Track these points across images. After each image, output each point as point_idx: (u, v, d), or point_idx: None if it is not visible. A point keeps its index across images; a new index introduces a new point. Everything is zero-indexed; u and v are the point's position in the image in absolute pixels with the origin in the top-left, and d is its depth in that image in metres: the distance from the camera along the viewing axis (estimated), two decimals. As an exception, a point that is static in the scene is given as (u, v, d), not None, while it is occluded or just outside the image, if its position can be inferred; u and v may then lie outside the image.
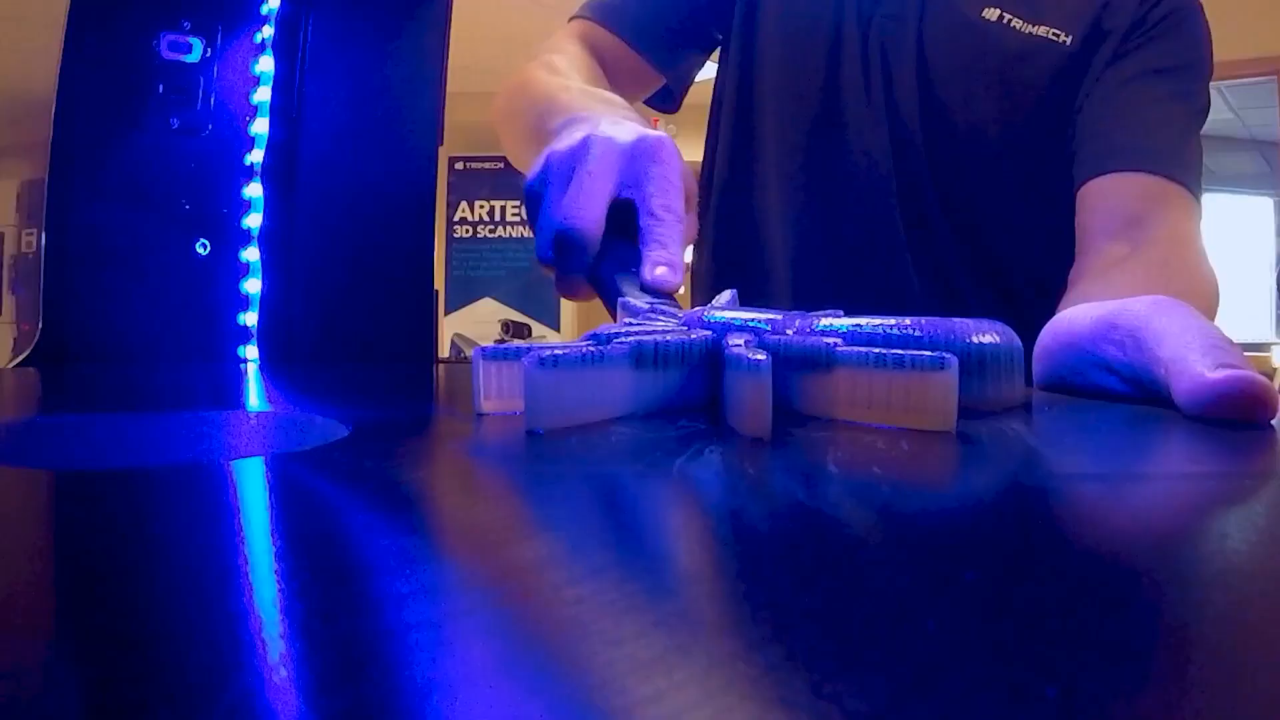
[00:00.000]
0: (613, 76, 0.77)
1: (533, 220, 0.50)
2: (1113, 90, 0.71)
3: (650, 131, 0.48)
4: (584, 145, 0.47)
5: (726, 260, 0.83)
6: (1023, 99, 0.72)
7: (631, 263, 0.46)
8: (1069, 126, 0.72)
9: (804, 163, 0.78)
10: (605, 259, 0.47)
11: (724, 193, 0.83)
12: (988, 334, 0.34)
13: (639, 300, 0.42)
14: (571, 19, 0.82)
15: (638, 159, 0.47)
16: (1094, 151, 0.70)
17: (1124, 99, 0.70)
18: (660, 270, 0.44)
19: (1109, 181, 0.68)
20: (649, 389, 0.32)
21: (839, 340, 0.32)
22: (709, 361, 0.34)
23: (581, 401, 0.30)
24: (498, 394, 0.32)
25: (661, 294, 0.44)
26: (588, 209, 0.46)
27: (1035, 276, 0.74)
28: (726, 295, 0.42)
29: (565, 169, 0.48)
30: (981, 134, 0.73)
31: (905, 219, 0.75)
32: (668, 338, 0.33)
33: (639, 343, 0.32)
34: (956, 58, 0.73)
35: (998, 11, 0.72)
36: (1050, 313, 0.62)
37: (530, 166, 0.51)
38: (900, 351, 0.30)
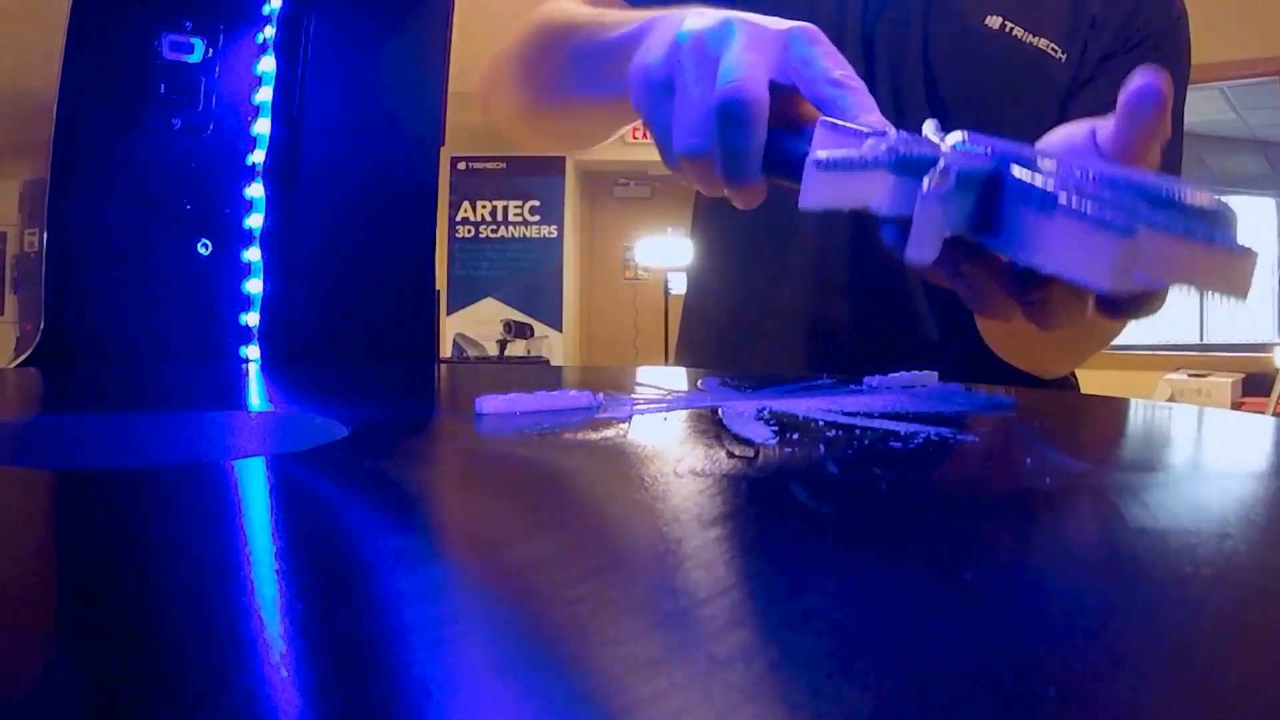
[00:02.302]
0: None
1: (656, 114, 0.44)
2: (1083, 113, 0.71)
3: (790, 21, 0.44)
4: (726, 26, 0.41)
5: (718, 269, 0.83)
6: (1022, 107, 0.73)
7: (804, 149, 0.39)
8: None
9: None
10: (768, 152, 0.41)
11: (715, 200, 0.83)
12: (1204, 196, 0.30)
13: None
14: None
15: (794, 44, 0.42)
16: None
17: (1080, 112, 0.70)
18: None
19: None
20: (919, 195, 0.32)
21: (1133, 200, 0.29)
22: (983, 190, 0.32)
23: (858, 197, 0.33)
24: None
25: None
26: (755, 77, 0.40)
27: None
28: (931, 124, 0.37)
29: (706, 51, 0.41)
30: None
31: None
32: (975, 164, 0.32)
33: (962, 170, 0.31)
34: (961, 63, 0.73)
35: (1000, 19, 0.72)
36: None
37: (572, 86, 0.49)
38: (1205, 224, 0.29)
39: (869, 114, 0.40)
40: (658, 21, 0.47)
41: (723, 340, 0.81)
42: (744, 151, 0.40)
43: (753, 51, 0.41)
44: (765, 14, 0.81)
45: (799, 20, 0.77)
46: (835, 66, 0.42)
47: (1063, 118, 0.72)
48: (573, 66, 0.60)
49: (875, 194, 0.34)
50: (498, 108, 0.74)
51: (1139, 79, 0.35)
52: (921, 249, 0.32)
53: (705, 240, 0.84)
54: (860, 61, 0.75)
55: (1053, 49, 0.72)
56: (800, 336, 0.75)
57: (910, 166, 0.33)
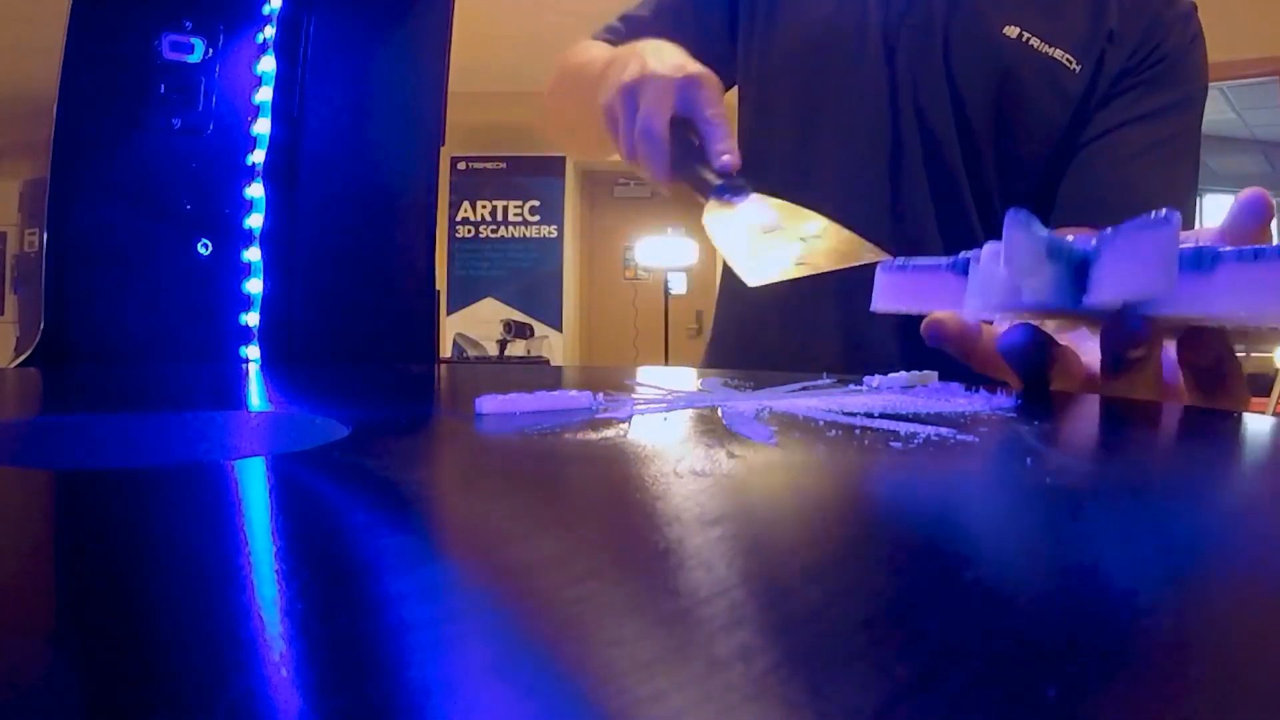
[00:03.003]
0: None
1: (613, 133, 0.67)
2: (1099, 134, 0.73)
3: (691, 66, 0.63)
4: (643, 80, 0.63)
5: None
6: (1036, 114, 0.74)
7: (699, 159, 0.63)
8: (1064, 156, 0.74)
9: (823, 164, 0.79)
10: (679, 159, 0.63)
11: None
12: None
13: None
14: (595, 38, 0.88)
15: (684, 89, 0.62)
16: (1074, 200, 0.73)
17: (1108, 148, 0.73)
18: (725, 156, 0.62)
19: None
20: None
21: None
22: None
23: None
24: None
25: (728, 174, 0.61)
26: (657, 117, 0.62)
27: None
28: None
29: (631, 97, 0.63)
30: (1000, 146, 0.75)
31: (940, 220, 0.76)
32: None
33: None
34: (982, 69, 0.75)
35: (1018, 30, 0.74)
36: None
37: (589, 101, 0.69)
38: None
39: (725, 142, 0.62)
40: (613, 61, 0.68)
41: (761, 348, 0.82)
42: (655, 162, 0.63)
43: (657, 98, 0.62)
44: (785, 19, 0.88)
45: (821, 21, 0.85)
46: (709, 107, 0.63)
47: (1077, 131, 0.73)
48: (578, 95, 0.78)
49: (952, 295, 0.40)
50: (552, 126, 0.93)
51: (1246, 193, 0.41)
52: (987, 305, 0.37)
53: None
54: (882, 65, 0.76)
55: (1068, 59, 0.74)
56: (840, 346, 0.77)
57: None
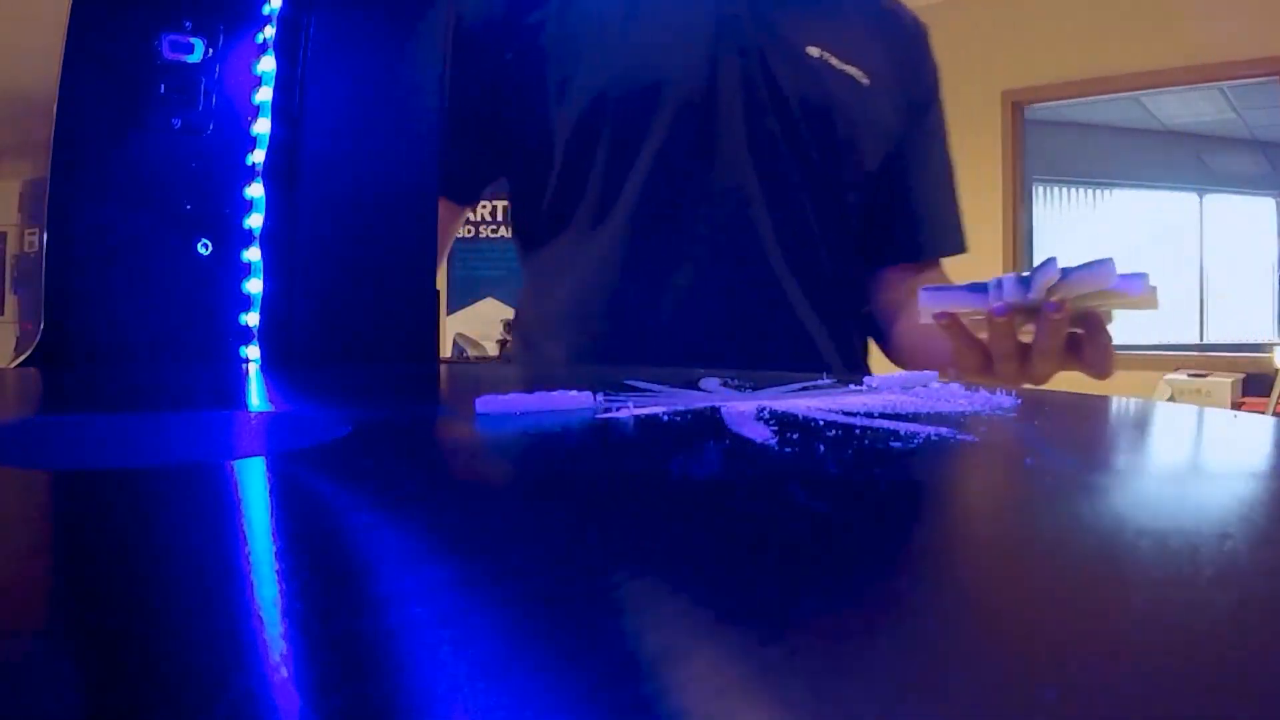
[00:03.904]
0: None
1: None
2: (915, 169, 0.87)
3: None
4: None
5: (562, 311, 0.89)
6: (844, 120, 0.83)
7: None
8: (864, 160, 0.85)
9: (669, 198, 0.83)
10: None
11: (548, 252, 0.89)
12: None
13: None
14: None
15: None
16: (913, 237, 0.89)
17: (923, 176, 0.88)
18: None
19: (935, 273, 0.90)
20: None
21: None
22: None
23: None
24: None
25: None
26: None
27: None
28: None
29: None
30: (819, 159, 0.83)
31: (781, 243, 0.82)
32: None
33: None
34: (799, 87, 0.83)
35: (818, 50, 0.84)
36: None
37: None
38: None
39: None
40: None
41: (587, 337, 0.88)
42: None
43: None
44: (587, 77, 0.92)
45: (655, 49, 0.88)
46: None
47: (894, 160, 0.85)
48: None
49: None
50: None
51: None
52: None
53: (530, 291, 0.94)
54: (699, 95, 0.80)
55: (859, 75, 0.85)
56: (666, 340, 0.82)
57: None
